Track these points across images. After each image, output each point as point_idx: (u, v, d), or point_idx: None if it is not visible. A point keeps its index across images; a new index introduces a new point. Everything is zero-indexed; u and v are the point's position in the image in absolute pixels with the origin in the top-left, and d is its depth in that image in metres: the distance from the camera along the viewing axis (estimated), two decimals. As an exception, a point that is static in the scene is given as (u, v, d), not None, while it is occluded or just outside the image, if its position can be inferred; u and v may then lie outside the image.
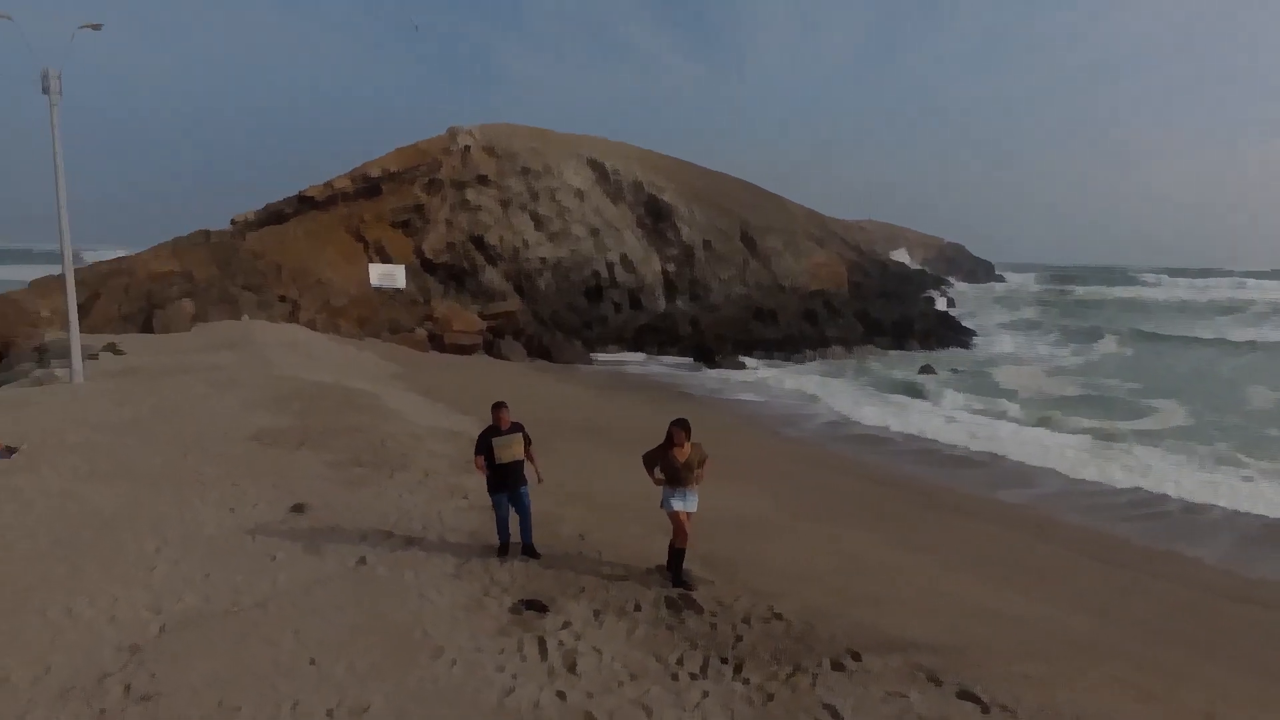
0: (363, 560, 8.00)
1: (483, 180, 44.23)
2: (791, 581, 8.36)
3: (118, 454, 11.92)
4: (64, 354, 22.46)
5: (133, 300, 26.94)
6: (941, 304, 64.18)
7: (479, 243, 43.33)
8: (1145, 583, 12.34)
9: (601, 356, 41.03)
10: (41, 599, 7.10)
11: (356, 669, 5.96)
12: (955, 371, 38.81)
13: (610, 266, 47.16)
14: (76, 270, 30.16)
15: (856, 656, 6.27)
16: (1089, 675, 6.79)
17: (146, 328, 26.19)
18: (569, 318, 43.97)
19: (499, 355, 36.27)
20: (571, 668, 6.03)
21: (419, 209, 42.59)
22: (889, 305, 52.74)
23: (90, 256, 43.32)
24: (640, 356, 42.88)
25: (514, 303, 41.82)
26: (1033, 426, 25.47)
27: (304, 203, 41.09)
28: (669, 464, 7.62)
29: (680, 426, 7.69)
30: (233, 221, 40.37)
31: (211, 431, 13.44)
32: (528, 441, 8.28)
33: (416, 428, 15.09)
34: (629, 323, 45.84)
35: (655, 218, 49.91)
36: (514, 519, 8.27)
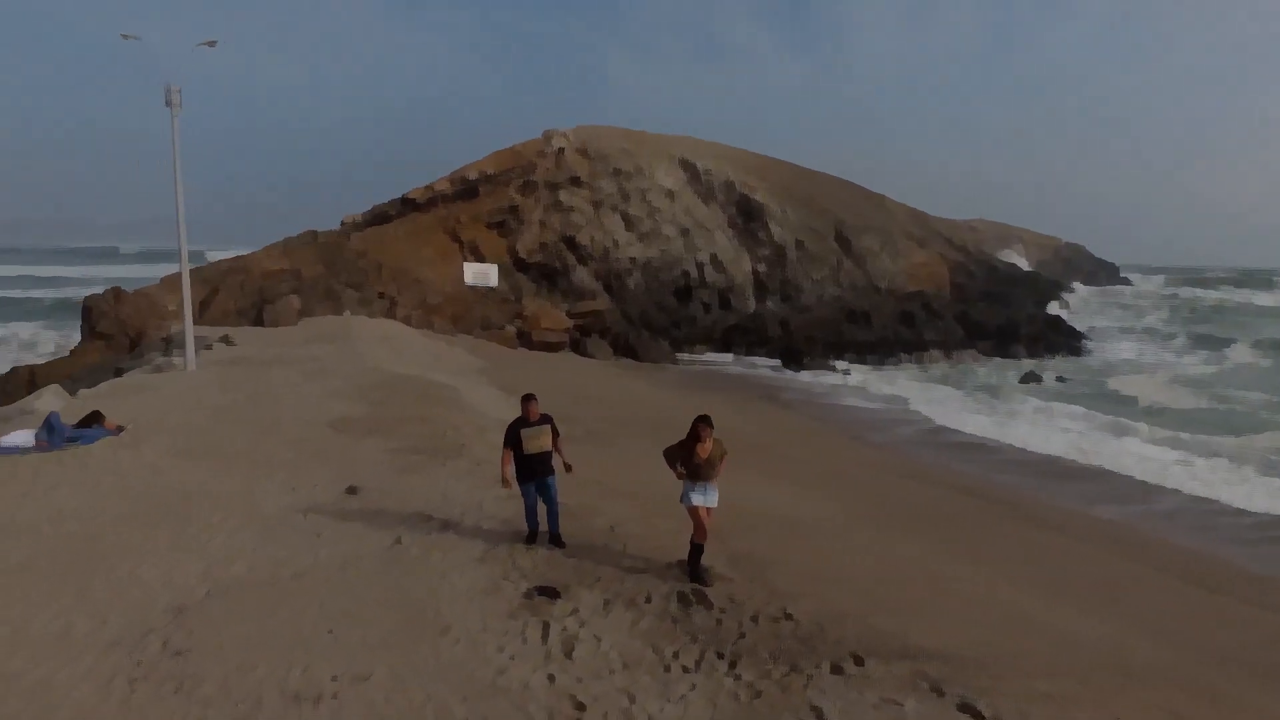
0: (398, 541, 8.41)
1: (575, 182, 45.12)
2: (821, 584, 8.19)
3: (208, 435, 12.95)
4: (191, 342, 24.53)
5: (247, 295, 29.10)
6: (1053, 307, 60.62)
7: (570, 243, 44.24)
8: (1240, 611, 11.36)
9: (688, 356, 41.08)
10: (114, 561, 7.84)
11: (368, 640, 6.30)
12: (1062, 380, 36.68)
13: (700, 266, 47.13)
14: (199, 269, 32.89)
15: (859, 661, 6.10)
16: (1125, 699, 6.35)
17: (258, 321, 28.22)
18: (657, 317, 44.22)
19: (585, 353, 36.91)
20: (568, 653, 6.15)
21: (514, 210, 43.91)
22: (993, 308, 50.25)
23: (213, 256, 47.09)
24: (728, 357, 42.64)
25: (602, 302, 42.45)
26: (1148, 440, 23.73)
27: (406, 204, 43.14)
28: (691, 459, 7.62)
29: (705, 422, 7.69)
30: (342, 223, 42.88)
31: (294, 417, 14.38)
32: (555, 433, 8.47)
33: (484, 420, 15.61)
34: (718, 323, 45.66)
35: (747, 217, 49.50)
36: (542, 508, 8.47)
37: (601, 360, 36.08)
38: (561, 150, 45.71)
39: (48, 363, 25.77)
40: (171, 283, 28.81)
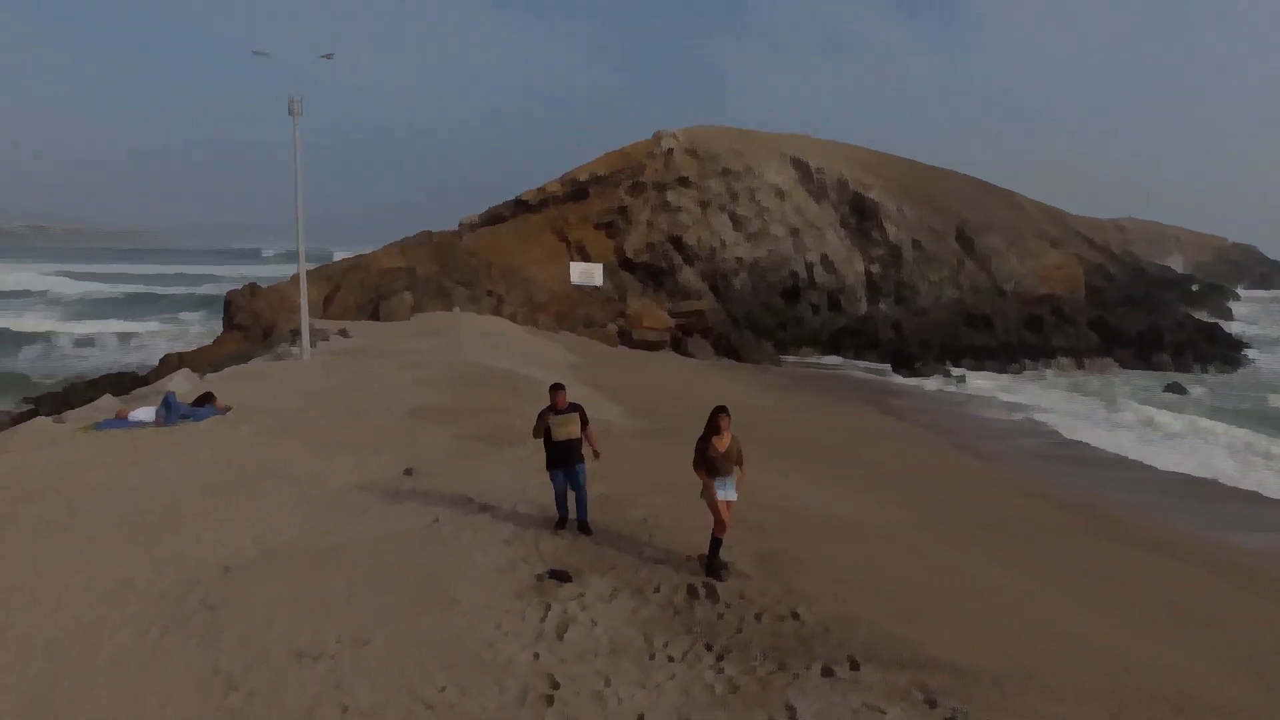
0: (436, 520, 8.79)
1: (683, 182, 45.25)
2: (846, 587, 7.86)
3: (299, 417, 13.97)
4: (312, 336, 26.54)
5: (365, 292, 31.09)
6: (1209, 313, 55.11)
7: (677, 243, 44.41)
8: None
9: (793, 359, 40.34)
10: (187, 524, 8.64)
11: (379, 609, 6.64)
12: (1214, 393, 33.36)
13: (809, 267, 46.13)
14: (324, 267, 35.43)
15: (855, 665, 5.85)
16: (1163, 731, 5.76)
17: (375, 316, 30.11)
18: (763, 318, 43.68)
19: (685, 353, 36.95)
20: (560, 634, 6.26)
21: (622, 210, 44.58)
22: (1135, 314, 46.30)
23: (339, 255, 50.62)
24: (835, 359, 41.57)
25: (706, 302, 42.39)
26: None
27: (519, 206, 44.69)
28: (708, 451, 7.55)
29: (723, 413, 7.61)
30: (460, 224, 44.96)
31: (379, 404, 15.27)
32: (585, 422, 8.60)
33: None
34: (826, 325, 44.57)
35: (860, 216, 47.99)
36: (572, 495, 8.61)
37: (701, 360, 36.00)
38: (670, 151, 45.98)
39: (194, 350, 28.54)
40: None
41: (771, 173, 46.97)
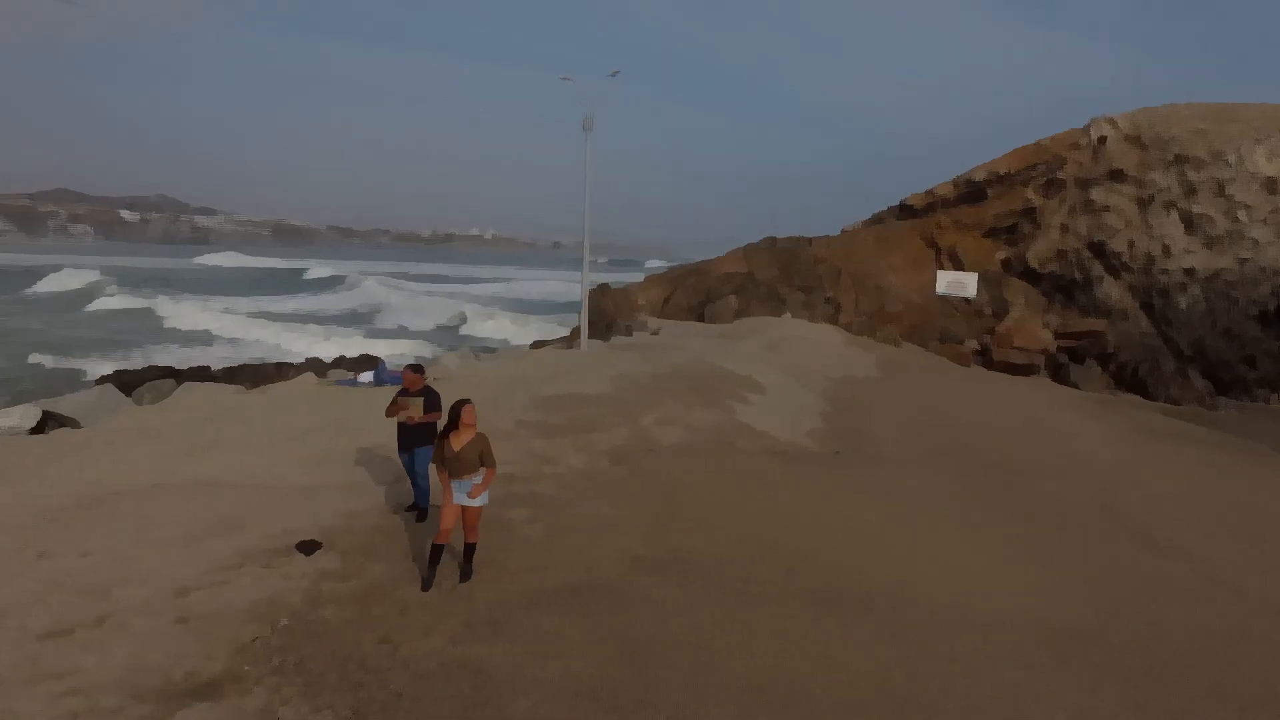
0: (368, 479, 9.49)
1: (1115, 176, 36.62)
2: (619, 654, 6.16)
3: (475, 388, 15.71)
4: (641, 329, 29.21)
5: (697, 295, 32.55)
6: None
7: (1098, 249, 36.25)
8: None
9: (1238, 403, 29.74)
10: (262, 451, 10.65)
11: (189, 530, 7.68)
12: None
13: (1311, 283, 33.21)
14: (670, 270, 37.98)
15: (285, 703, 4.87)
16: None
17: (700, 318, 31.39)
18: (1220, 348, 33.13)
19: (1065, 381, 30.12)
20: (192, 591, 6.49)
21: (1028, 212, 38.15)
22: None
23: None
24: (1327, 413, 29.31)
25: (1128, 323, 33.82)
26: None
27: (904, 210, 41.43)
28: (443, 449, 6.80)
29: (467, 406, 6.80)
30: (842, 230, 43.67)
31: (548, 387, 16.28)
32: (431, 407, 8.36)
33: (700, 416, 15.07)
34: (1331, 364, 31.65)
35: None
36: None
37: (1084, 392, 28.97)
38: (1103, 140, 37.61)
39: (555, 339, 33.57)
40: (643, 284, 34.38)
41: (1259, 156, 34.97)
